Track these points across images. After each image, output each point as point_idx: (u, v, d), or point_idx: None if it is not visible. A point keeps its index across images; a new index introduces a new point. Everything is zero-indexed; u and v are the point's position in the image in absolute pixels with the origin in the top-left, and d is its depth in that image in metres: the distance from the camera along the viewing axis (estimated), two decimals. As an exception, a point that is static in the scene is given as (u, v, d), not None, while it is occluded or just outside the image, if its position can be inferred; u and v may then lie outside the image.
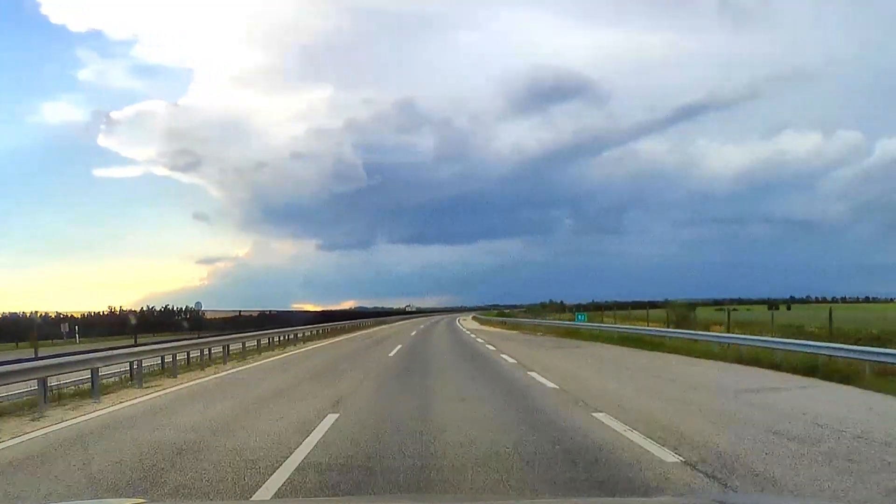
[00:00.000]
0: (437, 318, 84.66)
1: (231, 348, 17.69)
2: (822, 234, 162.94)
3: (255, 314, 33.27)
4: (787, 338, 15.16)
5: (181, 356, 14.45)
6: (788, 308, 75.26)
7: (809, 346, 12.87)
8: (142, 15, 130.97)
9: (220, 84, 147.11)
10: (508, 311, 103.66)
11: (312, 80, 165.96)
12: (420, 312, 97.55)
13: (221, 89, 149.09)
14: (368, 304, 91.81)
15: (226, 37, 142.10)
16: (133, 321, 29.59)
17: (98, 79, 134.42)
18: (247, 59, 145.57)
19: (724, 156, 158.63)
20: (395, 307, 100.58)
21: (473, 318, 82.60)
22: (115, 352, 12.34)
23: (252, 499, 4.46)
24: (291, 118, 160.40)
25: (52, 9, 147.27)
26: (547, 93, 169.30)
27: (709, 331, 21.00)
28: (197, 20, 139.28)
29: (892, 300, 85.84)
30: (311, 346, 24.98)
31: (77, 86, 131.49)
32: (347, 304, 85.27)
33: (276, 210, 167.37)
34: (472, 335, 30.60)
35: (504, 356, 16.95)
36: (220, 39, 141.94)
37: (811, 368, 11.85)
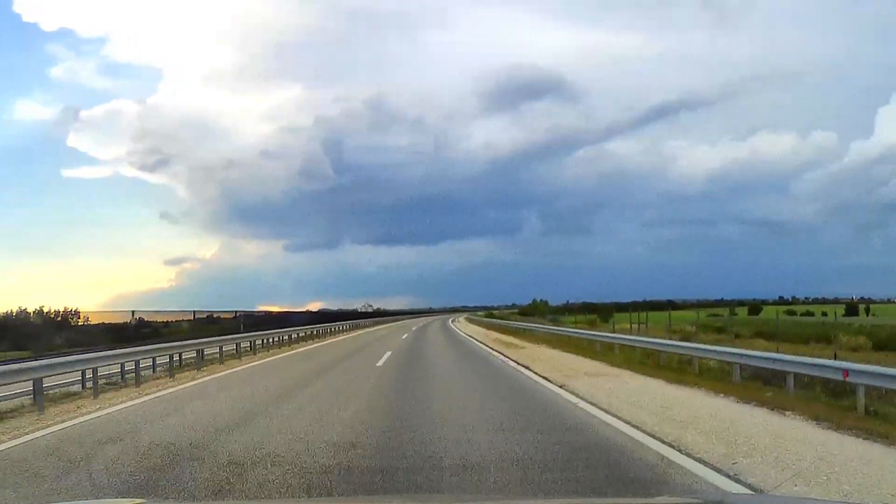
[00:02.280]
0: (412, 323, 59.56)
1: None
2: (809, 235, 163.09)
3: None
4: None
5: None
6: (867, 310, 71.32)
7: None
8: (113, 13, 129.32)
9: (189, 83, 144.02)
10: (498, 312, 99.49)
11: (283, 78, 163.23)
12: (380, 314, 78.75)
13: (191, 88, 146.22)
14: (335, 305, 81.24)
15: (195, 36, 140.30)
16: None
17: (68, 77, 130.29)
18: (216, 57, 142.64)
19: (717, 156, 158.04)
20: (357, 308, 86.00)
21: (466, 318, 71.50)
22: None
23: None
24: (261, 117, 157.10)
25: (24, 6, 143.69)
26: (520, 91, 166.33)
27: None
28: (167, 19, 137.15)
29: (891, 301, 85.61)
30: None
31: (47, 84, 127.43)
32: (314, 306, 79.10)
33: (244, 210, 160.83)
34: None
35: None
36: (189, 38, 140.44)
37: None
